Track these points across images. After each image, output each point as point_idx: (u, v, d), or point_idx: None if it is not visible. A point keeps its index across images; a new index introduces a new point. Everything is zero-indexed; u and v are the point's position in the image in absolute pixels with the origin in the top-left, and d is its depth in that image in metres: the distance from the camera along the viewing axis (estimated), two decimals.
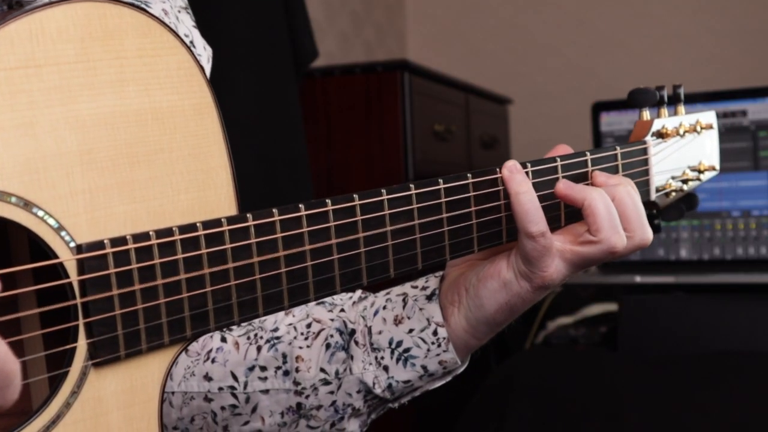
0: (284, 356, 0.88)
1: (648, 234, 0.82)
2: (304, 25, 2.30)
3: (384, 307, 0.87)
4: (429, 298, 0.85)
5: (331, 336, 0.88)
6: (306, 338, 0.88)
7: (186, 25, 0.90)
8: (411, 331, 0.85)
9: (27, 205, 0.57)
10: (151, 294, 0.60)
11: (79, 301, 0.58)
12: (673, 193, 0.97)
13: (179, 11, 0.90)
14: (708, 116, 1.00)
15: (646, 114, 0.94)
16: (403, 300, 0.87)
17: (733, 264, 1.77)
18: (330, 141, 2.46)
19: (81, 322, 0.58)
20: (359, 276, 0.71)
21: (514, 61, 3.51)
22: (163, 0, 0.88)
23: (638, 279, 1.76)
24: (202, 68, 0.67)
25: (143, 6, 0.83)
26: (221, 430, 0.91)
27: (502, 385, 1.63)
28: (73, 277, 0.58)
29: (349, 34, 3.22)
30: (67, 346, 0.58)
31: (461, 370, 0.88)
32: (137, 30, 0.63)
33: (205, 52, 0.92)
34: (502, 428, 1.54)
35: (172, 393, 0.90)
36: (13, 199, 0.57)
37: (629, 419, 1.46)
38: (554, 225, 0.82)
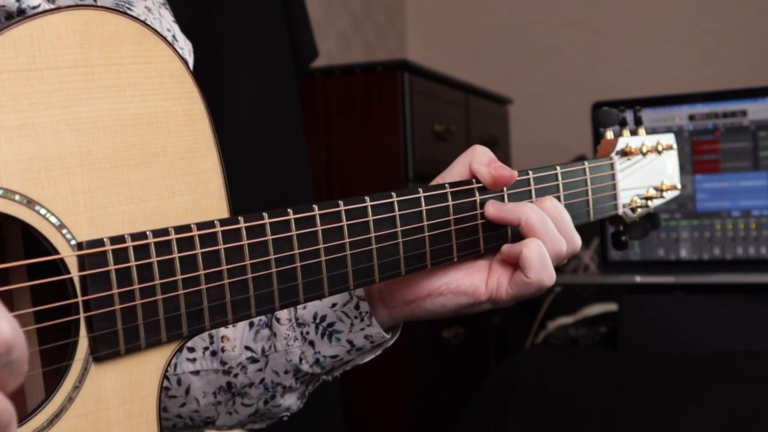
0: (211, 336, 0.89)
1: (578, 240, 0.84)
2: (304, 25, 2.30)
3: None
4: None
5: None
6: None
7: (167, 20, 0.92)
8: (334, 305, 0.85)
9: (30, 203, 0.59)
10: (149, 291, 0.62)
11: (80, 298, 0.59)
12: (639, 209, 1.02)
13: (160, 7, 0.92)
14: (667, 138, 1.06)
15: (610, 134, 1.00)
16: None
17: (733, 264, 1.76)
18: (330, 141, 2.46)
19: (82, 315, 0.59)
20: (345, 279, 0.74)
21: (514, 61, 3.51)
22: None
23: (638, 279, 1.75)
24: (193, 75, 0.69)
25: (126, 6, 0.85)
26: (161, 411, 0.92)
27: (502, 385, 1.63)
28: (74, 273, 0.59)
29: (349, 34, 3.23)
30: (69, 340, 0.60)
31: (391, 343, 0.87)
32: (133, 38, 0.65)
33: (186, 45, 0.94)
34: (502, 428, 1.54)
35: None
36: (17, 197, 0.58)
37: (629, 419, 1.46)
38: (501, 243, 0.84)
